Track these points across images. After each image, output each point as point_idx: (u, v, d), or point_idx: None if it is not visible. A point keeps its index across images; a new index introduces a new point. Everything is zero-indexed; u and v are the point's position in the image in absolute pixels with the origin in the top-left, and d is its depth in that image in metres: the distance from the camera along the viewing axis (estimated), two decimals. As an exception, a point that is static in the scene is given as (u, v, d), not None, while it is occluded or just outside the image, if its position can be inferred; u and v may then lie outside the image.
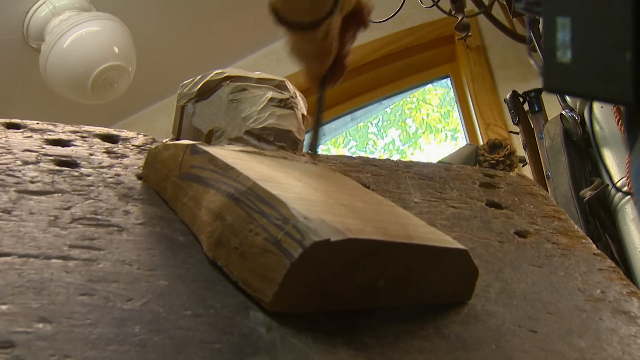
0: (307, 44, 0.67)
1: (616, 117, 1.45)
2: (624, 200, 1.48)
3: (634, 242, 1.44)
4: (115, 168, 0.66)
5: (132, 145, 0.72)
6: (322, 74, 0.72)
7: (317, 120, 0.74)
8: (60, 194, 0.59)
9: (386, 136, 2.98)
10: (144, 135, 0.74)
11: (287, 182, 0.58)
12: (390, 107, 2.93)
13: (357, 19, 0.70)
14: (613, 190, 1.50)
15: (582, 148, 1.62)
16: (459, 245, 0.58)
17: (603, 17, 0.38)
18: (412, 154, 2.94)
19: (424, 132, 2.90)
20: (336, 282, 0.51)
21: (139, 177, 0.66)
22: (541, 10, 0.42)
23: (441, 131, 2.88)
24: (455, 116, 2.72)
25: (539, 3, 0.42)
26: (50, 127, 0.69)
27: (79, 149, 0.67)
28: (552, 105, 1.82)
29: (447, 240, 0.58)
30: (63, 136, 0.68)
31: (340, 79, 0.74)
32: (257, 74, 0.74)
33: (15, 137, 0.66)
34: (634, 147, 0.41)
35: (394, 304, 0.55)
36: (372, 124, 2.99)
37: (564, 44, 0.40)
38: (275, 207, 0.52)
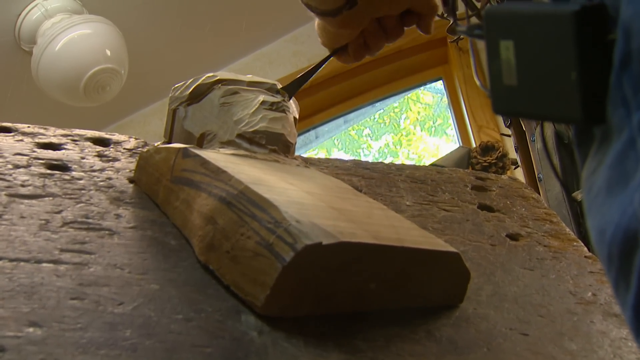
0: (326, 25, 0.77)
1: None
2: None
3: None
4: (106, 172, 0.66)
5: (124, 148, 0.71)
6: (334, 47, 0.80)
7: (309, 73, 0.80)
8: (51, 198, 0.58)
9: (380, 139, 2.99)
10: (136, 139, 0.74)
11: (279, 185, 0.58)
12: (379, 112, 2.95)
13: (413, 20, 0.78)
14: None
15: (573, 150, 1.62)
16: (451, 249, 0.58)
17: (546, 39, 0.38)
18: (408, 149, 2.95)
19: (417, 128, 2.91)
20: (328, 285, 0.51)
21: (131, 180, 0.66)
22: (483, 34, 0.42)
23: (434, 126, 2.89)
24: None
25: (480, 27, 0.43)
26: (42, 131, 0.69)
27: (70, 153, 0.67)
28: (544, 108, 1.82)
29: (438, 244, 0.58)
30: (54, 140, 0.68)
31: (355, 60, 0.81)
32: (248, 77, 0.74)
33: (6, 140, 0.65)
34: (584, 164, 0.41)
35: (386, 307, 0.55)
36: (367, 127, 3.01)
37: (509, 67, 0.40)
38: (267, 210, 0.52)
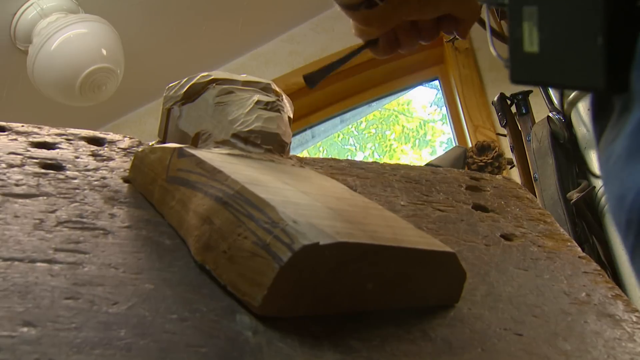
0: (352, 17, 0.75)
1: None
2: (610, 203, 1.48)
3: (620, 244, 1.45)
4: (101, 171, 0.66)
5: (118, 148, 0.71)
6: (365, 40, 0.78)
7: (338, 62, 0.78)
8: (45, 197, 0.58)
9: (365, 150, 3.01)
10: (130, 138, 0.74)
11: (275, 185, 0.58)
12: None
13: (451, 25, 0.76)
14: (600, 192, 1.51)
15: (569, 150, 1.63)
16: (447, 248, 0.58)
17: (572, 3, 0.38)
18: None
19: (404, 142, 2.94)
20: (325, 285, 0.51)
21: (125, 180, 0.66)
22: (506, 1, 0.41)
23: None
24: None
25: None
26: (36, 130, 0.69)
27: (64, 152, 0.67)
28: (540, 108, 1.83)
29: (435, 244, 0.58)
30: (48, 139, 0.68)
31: (385, 55, 0.79)
32: (243, 77, 0.74)
33: (0, 139, 0.65)
34: (601, 138, 0.41)
35: (383, 307, 0.55)
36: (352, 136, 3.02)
37: (531, 34, 0.40)
38: (264, 210, 0.52)
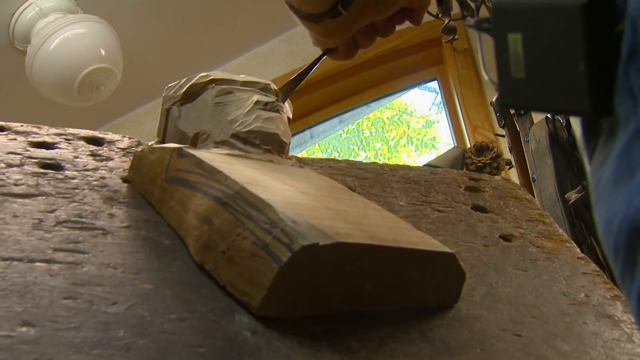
0: (310, 32, 0.75)
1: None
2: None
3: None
4: (100, 171, 0.66)
5: (117, 148, 0.71)
6: (325, 47, 0.79)
7: (303, 74, 0.79)
8: (44, 197, 0.58)
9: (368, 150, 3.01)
10: (129, 138, 0.74)
11: (275, 185, 0.58)
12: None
13: (404, 17, 0.77)
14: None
15: (567, 151, 1.63)
16: (446, 249, 0.58)
17: (554, 30, 0.39)
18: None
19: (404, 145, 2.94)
20: (324, 286, 0.51)
21: (124, 180, 0.66)
22: (491, 27, 0.42)
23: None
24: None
25: (489, 20, 0.43)
26: (35, 130, 0.69)
27: (63, 152, 0.67)
28: (538, 109, 1.83)
29: (434, 244, 0.58)
30: (47, 139, 0.68)
31: (347, 59, 0.80)
32: (242, 77, 0.74)
33: (-1, 139, 0.65)
34: (592, 158, 0.41)
35: (381, 307, 0.55)
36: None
37: (517, 60, 0.40)
38: (263, 211, 0.52)
